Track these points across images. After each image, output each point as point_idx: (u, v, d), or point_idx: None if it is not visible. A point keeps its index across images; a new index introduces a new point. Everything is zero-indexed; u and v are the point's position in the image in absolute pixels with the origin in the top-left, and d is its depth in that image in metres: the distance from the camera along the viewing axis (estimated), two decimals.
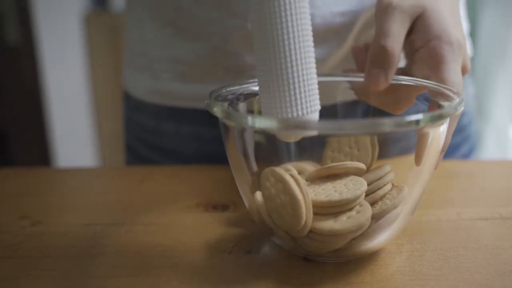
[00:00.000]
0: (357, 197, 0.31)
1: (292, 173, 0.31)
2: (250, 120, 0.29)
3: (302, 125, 0.29)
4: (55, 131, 1.74)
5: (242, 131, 0.32)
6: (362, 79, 0.38)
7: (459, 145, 0.58)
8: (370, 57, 0.37)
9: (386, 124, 0.27)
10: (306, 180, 0.34)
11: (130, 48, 0.58)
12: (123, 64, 0.61)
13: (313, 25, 0.48)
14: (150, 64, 0.55)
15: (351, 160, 0.36)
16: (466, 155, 0.60)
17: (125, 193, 0.48)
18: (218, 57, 0.50)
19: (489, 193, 0.45)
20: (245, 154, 0.33)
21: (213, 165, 0.53)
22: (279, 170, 0.31)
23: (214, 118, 0.33)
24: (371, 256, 0.34)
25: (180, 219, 0.41)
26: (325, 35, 0.48)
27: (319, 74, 0.41)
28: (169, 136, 0.57)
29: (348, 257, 0.34)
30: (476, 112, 1.58)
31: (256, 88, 0.37)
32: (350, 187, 0.31)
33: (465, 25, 0.58)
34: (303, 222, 0.30)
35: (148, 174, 0.52)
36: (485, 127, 1.59)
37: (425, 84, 0.36)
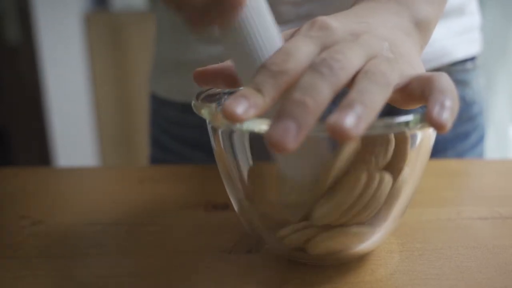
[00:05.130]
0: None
1: None
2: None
3: None
4: (55, 131, 1.75)
5: (230, 133, 0.32)
6: None
7: (469, 134, 0.59)
8: None
9: (376, 126, 0.27)
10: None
11: (157, 50, 0.62)
12: (151, 66, 0.65)
13: None
14: (176, 65, 0.58)
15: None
16: (476, 144, 0.60)
17: (125, 193, 0.48)
18: None
19: (489, 192, 0.45)
20: (234, 157, 0.33)
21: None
22: None
23: None
24: (371, 256, 0.34)
25: (180, 219, 0.41)
26: None
27: None
28: (194, 128, 0.58)
29: (341, 260, 0.33)
30: None
31: None
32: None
33: (478, 19, 0.59)
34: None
35: (148, 174, 0.52)
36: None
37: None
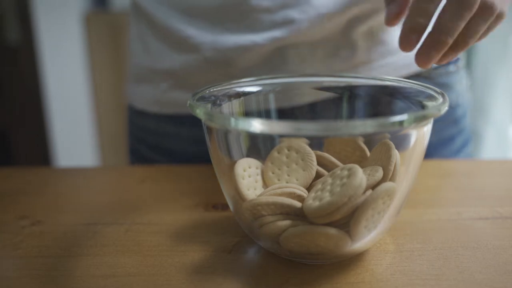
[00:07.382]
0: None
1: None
2: (233, 121, 0.28)
3: (289, 127, 0.27)
4: (55, 131, 1.74)
5: (225, 133, 0.32)
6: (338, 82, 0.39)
7: (454, 137, 0.59)
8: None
9: (370, 125, 0.27)
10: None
11: (131, 60, 0.61)
12: (127, 77, 0.64)
13: (300, 29, 0.48)
14: (149, 75, 0.57)
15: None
16: (461, 147, 0.60)
17: (125, 192, 0.48)
18: (209, 67, 0.51)
19: (489, 192, 0.45)
20: (230, 157, 0.33)
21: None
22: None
23: None
24: (371, 256, 0.34)
25: (180, 219, 0.41)
26: (313, 36, 0.49)
27: (299, 75, 0.41)
28: (170, 137, 0.58)
29: (335, 258, 0.33)
30: (476, 111, 1.58)
31: (241, 89, 0.37)
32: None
33: None
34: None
35: (148, 173, 0.52)
36: (485, 126, 1.59)
37: (409, 84, 0.36)
